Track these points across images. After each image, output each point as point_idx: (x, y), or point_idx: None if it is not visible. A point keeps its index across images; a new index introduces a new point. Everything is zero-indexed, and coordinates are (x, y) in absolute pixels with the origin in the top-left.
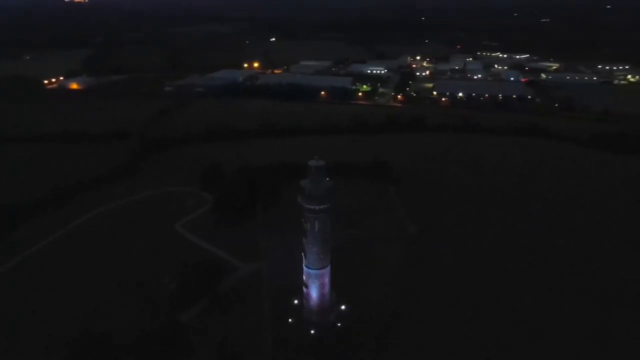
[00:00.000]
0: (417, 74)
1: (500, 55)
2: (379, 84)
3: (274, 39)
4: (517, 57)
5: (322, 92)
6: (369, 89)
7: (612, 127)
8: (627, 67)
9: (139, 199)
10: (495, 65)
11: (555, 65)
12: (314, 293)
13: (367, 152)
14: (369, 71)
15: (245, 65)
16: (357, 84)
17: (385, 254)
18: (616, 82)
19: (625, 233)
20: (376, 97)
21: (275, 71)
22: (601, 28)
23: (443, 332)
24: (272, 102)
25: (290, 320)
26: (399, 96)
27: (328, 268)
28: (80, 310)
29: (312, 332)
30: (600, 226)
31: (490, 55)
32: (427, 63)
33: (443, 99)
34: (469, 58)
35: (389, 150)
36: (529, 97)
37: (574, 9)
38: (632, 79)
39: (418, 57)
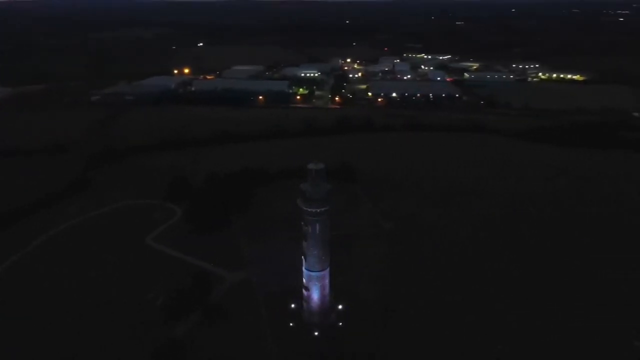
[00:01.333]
0: (350, 76)
1: (425, 57)
2: (314, 87)
3: (201, 44)
4: (440, 57)
5: (260, 97)
6: (306, 91)
7: (543, 122)
8: (537, 65)
9: (100, 215)
10: (422, 66)
11: (475, 65)
12: (315, 295)
13: (325, 154)
14: (303, 74)
15: (176, 71)
16: (294, 87)
17: (367, 251)
18: (530, 79)
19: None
20: (314, 100)
21: (208, 77)
22: (510, 30)
23: (437, 324)
24: (211, 109)
25: (291, 324)
26: (336, 98)
27: (328, 269)
28: (66, 340)
29: (316, 333)
30: (565, 214)
31: (416, 56)
32: (358, 65)
33: (379, 100)
34: (396, 60)
35: (346, 152)
36: (457, 95)
37: (485, 13)
38: (542, 76)
39: (349, 60)
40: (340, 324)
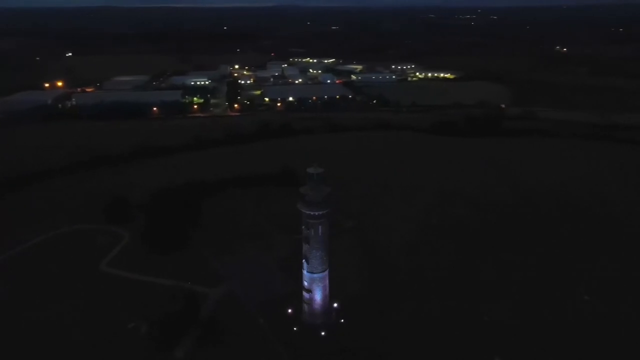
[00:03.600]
0: (242, 82)
1: (311, 60)
2: (209, 95)
3: (70, 54)
4: (326, 61)
5: (154, 108)
6: (201, 100)
7: (441, 117)
8: (413, 66)
9: (32, 246)
10: (310, 70)
11: (359, 67)
12: (317, 296)
13: (259, 160)
14: (193, 83)
15: (47, 85)
16: (186, 96)
17: (337, 249)
18: (409, 79)
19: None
20: (211, 109)
21: (87, 90)
22: (380, 34)
23: (426, 315)
24: (104, 123)
25: (295, 329)
26: (235, 105)
27: (328, 270)
28: None
29: (323, 333)
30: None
31: (302, 60)
32: (247, 71)
33: (278, 104)
34: (284, 64)
35: (278, 157)
36: (350, 96)
37: (357, 19)
38: (420, 76)
39: (237, 66)
40: (342, 320)
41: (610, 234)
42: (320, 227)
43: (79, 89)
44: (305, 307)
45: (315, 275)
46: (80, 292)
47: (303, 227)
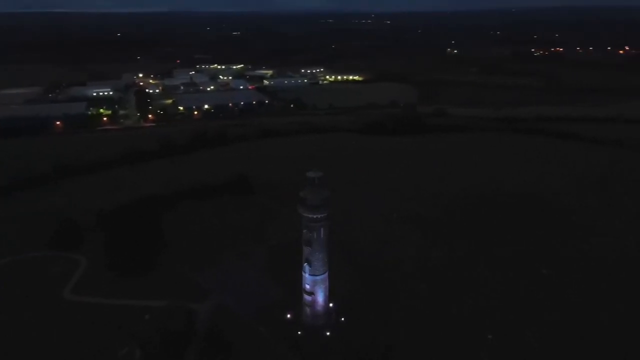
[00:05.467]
0: (150, 91)
1: (219, 67)
2: (116, 106)
3: None
4: (234, 67)
5: (57, 122)
6: (109, 112)
7: (365, 118)
8: (322, 69)
9: None
10: (220, 76)
11: (270, 72)
12: (320, 298)
13: (198, 171)
14: (95, 94)
15: None
16: (91, 108)
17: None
18: (320, 82)
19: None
20: (122, 120)
21: None
22: (285, 39)
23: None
24: (4, 142)
25: (299, 332)
26: (149, 116)
27: (328, 271)
28: None
29: (328, 333)
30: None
31: (209, 67)
32: (153, 80)
33: (195, 113)
34: (191, 72)
35: (223, 165)
36: (266, 101)
37: (255, 24)
38: (330, 79)
39: (141, 75)
40: (342, 319)
41: (557, 219)
42: (321, 229)
43: None
44: (307, 310)
45: (317, 277)
46: (50, 323)
47: (304, 230)
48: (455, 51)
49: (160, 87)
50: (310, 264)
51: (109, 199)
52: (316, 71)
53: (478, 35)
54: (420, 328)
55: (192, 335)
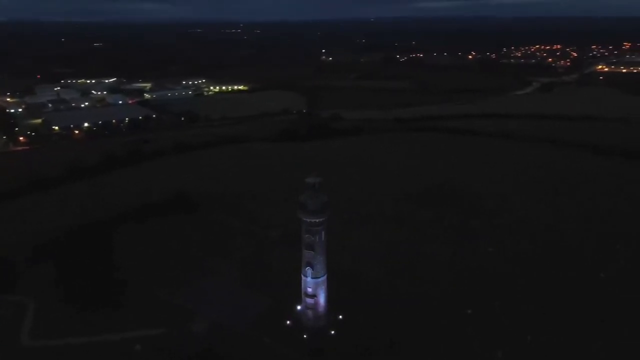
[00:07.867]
0: (12, 111)
1: (88, 81)
2: None
3: None
4: (106, 81)
5: None
6: None
7: (272, 126)
8: (204, 80)
9: None
10: (93, 91)
11: (148, 85)
12: (322, 299)
13: (121, 193)
14: None
15: None
16: None
17: (286, 258)
18: (205, 93)
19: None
20: None
21: None
22: (155, 49)
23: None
24: None
25: (305, 336)
26: (20, 138)
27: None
28: None
29: (332, 332)
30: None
31: (77, 82)
32: (11, 98)
33: (76, 132)
34: (56, 87)
35: (147, 185)
36: (153, 115)
37: (117, 34)
38: (214, 89)
39: None
40: (340, 317)
41: (490, 211)
42: (322, 232)
43: None
44: (309, 312)
45: (319, 279)
46: None
47: (306, 235)
48: (330, 58)
49: (23, 106)
50: (312, 267)
51: (30, 230)
52: (198, 82)
53: (346, 44)
54: (419, 321)
55: (205, 358)
